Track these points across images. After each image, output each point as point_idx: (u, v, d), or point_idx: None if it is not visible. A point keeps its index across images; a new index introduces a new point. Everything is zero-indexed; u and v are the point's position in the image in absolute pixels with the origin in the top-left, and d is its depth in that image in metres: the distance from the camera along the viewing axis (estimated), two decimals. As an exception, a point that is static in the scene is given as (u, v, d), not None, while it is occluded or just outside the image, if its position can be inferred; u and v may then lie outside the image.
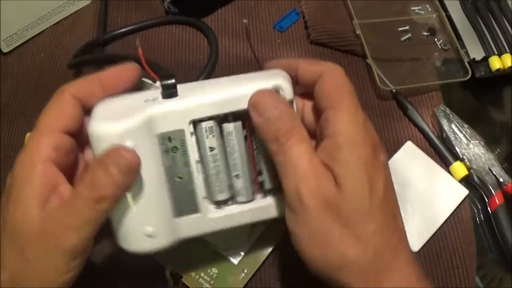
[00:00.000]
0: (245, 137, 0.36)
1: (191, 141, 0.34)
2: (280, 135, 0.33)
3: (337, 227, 0.31)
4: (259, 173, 0.36)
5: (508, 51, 0.54)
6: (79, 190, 0.32)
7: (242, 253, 0.43)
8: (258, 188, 0.36)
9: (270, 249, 0.43)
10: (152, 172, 0.34)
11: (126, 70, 0.36)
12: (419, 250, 0.44)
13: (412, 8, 0.57)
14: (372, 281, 0.31)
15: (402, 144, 0.50)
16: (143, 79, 0.47)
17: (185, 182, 0.35)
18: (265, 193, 0.37)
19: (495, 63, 0.53)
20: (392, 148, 0.49)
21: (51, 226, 0.32)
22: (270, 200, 0.36)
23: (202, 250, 0.43)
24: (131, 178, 0.32)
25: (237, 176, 0.36)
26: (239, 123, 0.35)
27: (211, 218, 0.36)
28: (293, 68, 0.36)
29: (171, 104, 0.34)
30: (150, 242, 0.35)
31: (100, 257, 0.44)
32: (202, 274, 0.42)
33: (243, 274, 0.42)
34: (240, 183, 0.36)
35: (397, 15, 0.56)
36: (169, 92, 0.34)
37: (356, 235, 0.31)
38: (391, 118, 0.51)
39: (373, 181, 0.32)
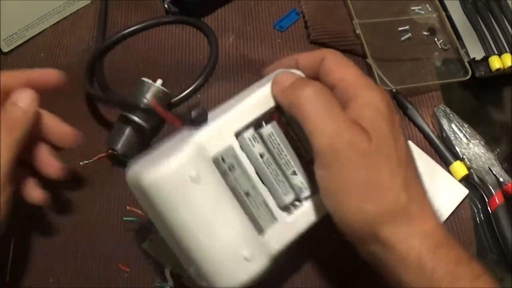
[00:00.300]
0: (284, 134, 0.37)
1: (242, 155, 0.35)
2: (299, 94, 0.34)
3: (372, 176, 0.33)
4: (310, 163, 0.36)
5: (508, 51, 0.54)
6: None
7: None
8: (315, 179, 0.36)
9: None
10: (223, 196, 0.34)
11: (48, 74, 0.39)
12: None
13: (412, 8, 0.57)
14: (408, 228, 0.33)
15: (402, 144, 0.50)
16: (143, 78, 0.47)
17: (254, 196, 0.35)
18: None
19: (495, 63, 0.53)
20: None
21: None
22: None
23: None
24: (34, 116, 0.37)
25: (293, 172, 0.36)
26: (274, 122, 0.36)
27: (290, 222, 0.36)
28: (293, 63, 0.39)
29: (210, 127, 0.34)
30: (250, 266, 0.34)
31: (99, 256, 0.44)
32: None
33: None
34: (298, 179, 0.37)
35: (397, 15, 0.56)
36: (201, 120, 0.35)
37: (389, 185, 0.33)
38: (391, 118, 0.51)
39: (396, 136, 0.35)
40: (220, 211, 0.33)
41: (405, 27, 0.55)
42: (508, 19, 0.56)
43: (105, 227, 0.45)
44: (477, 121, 0.51)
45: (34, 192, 0.41)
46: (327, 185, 0.34)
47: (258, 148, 0.36)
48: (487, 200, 0.48)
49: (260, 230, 0.35)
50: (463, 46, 0.54)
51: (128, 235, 0.45)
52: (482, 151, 0.50)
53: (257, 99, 0.36)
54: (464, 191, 0.48)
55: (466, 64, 0.53)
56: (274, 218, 0.36)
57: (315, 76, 0.38)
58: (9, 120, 0.36)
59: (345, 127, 0.33)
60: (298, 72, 0.38)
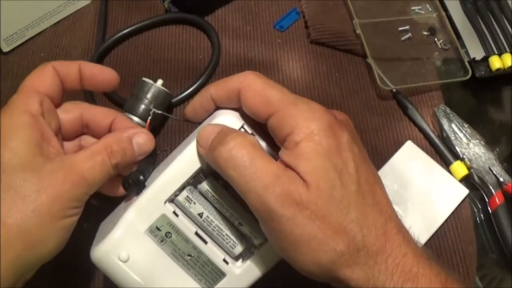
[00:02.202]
0: (224, 186, 0.35)
1: (178, 220, 0.35)
2: (217, 155, 0.32)
3: (317, 225, 0.30)
4: None
5: (508, 50, 0.54)
6: (98, 150, 0.34)
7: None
8: None
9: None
10: (161, 265, 0.35)
11: (105, 73, 0.38)
12: (419, 250, 0.44)
13: (412, 8, 0.57)
14: (367, 267, 0.30)
15: (402, 143, 0.50)
16: (144, 78, 0.47)
17: (196, 256, 0.36)
18: None
19: (495, 62, 0.53)
20: (392, 147, 0.49)
21: (57, 173, 0.33)
22: None
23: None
24: (143, 156, 0.37)
25: (239, 223, 0.36)
26: (210, 178, 0.36)
27: (240, 274, 0.36)
28: (207, 100, 0.36)
29: (139, 200, 0.35)
30: None
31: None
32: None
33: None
34: (247, 228, 0.36)
35: (397, 15, 0.56)
36: (139, 188, 0.36)
37: (338, 228, 0.30)
38: (391, 118, 0.51)
39: (341, 167, 0.31)
40: (158, 279, 0.35)
41: (405, 27, 0.55)
42: (508, 19, 0.56)
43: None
44: (477, 121, 0.51)
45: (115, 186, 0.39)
46: (273, 243, 0.32)
47: (195, 208, 0.35)
48: (487, 200, 0.49)
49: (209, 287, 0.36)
50: (463, 46, 0.54)
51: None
52: (482, 151, 0.50)
53: (183, 163, 0.35)
54: (464, 191, 0.48)
55: (466, 64, 0.53)
56: (221, 274, 0.36)
57: (239, 106, 0.34)
58: (118, 155, 0.35)
59: (274, 179, 0.30)
60: (224, 117, 0.35)
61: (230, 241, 0.36)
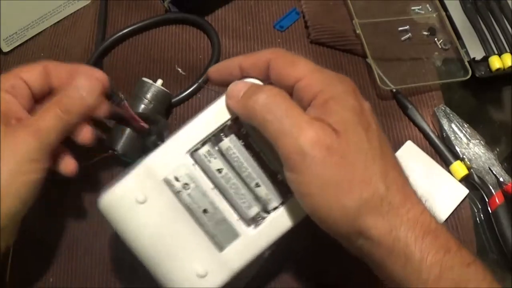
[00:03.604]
0: (245, 146, 0.36)
1: (197, 172, 0.35)
2: (253, 102, 0.33)
3: (345, 171, 0.32)
4: (276, 172, 0.36)
5: (508, 50, 0.54)
6: (49, 104, 0.37)
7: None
8: (284, 187, 0.36)
9: (269, 250, 0.43)
10: (174, 215, 0.34)
11: (94, 77, 0.40)
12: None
13: (412, 8, 0.57)
14: (390, 217, 0.32)
15: (402, 143, 0.50)
16: (144, 78, 0.47)
17: (212, 213, 0.35)
18: (286, 190, 0.36)
19: (495, 62, 0.53)
20: (392, 147, 0.49)
21: (15, 133, 0.36)
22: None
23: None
24: (97, 100, 0.39)
25: (256, 184, 0.36)
26: (232, 136, 0.36)
27: (253, 236, 0.35)
28: (235, 67, 0.37)
29: (161, 148, 0.35)
30: (204, 283, 0.34)
31: (99, 256, 0.44)
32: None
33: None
34: (263, 191, 0.36)
35: (397, 15, 0.56)
36: (160, 136, 0.37)
37: (364, 177, 0.32)
38: (391, 118, 0.51)
39: (366, 124, 0.33)
40: (170, 229, 0.34)
41: (405, 27, 0.55)
42: (508, 19, 0.56)
43: (105, 227, 0.45)
44: (477, 121, 0.51)
45: (68, 163, 0.41)
46: (300, 189, 0.33)
47: (215, 164, 0.36)
48: (487, 200, 0.48)
49: (219, 247, 0.35)
50: (463, 46, 0.54)
51: (128, 235, 0.45)
52: (482, 151, 0.50)
53: (210, 115, 0.36)
54: (464, 191, 0.48)
55: (466, 64, 0.53)
56: (235, 234, 0.35)
57: (265, 79, 0.36)
58: (66, 103, 0.38)
59: (307, 126, 0.32)
60: (252, 80, 0.36)
61: (245, 202, 0.36)
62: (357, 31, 0.53)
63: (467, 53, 0.54)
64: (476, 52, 0.54)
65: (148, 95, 0.46)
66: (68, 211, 0.46)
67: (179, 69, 0.46)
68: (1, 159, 0.35)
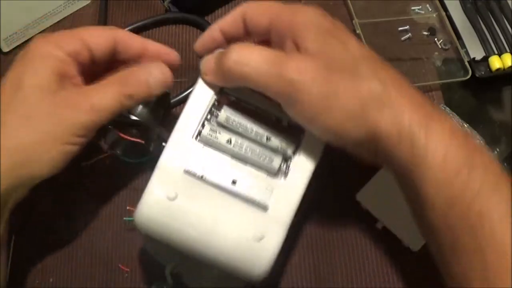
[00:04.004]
0: (241, 110, 0.37)
1: (210, 152, 0.36)
2: (225, 65, 0.35)
3: (337, 81, 0.33)
4: (279, 119, 0.38)
5: (508, 50, 0.54)
6: (112, 81, 0.37)
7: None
8: (292, 130, 0.37)
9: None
10: (210, 196, 0.35)
11: (165, 70, 0.39)
12: (419, 250, 0.44)
13: (412, 8, 0.57)
14: (393, 109, 0.33)
15: (402, 143, 0.50)
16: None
17: (240, 181, 0.36)
18: (299, 129, 0.37)
19: (495, 62, 0.53)
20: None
21: (69, 100, 0.35)
22: (309, 131, 0.37)
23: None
24: (160, 91, 0.39)
25: (267, 138, 0.37)
26: (225, 107, 0.37)
27: (288, 184, 0.36)
28: (217, 34, 0.39)
29: (168, 145, 0.36)
30: (266, 243, 0.35)
31: (99, 256, 0.44)
32: (202, 274, 0.42)
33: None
34: (275, 141, 0.37)
35: (397, 15, 0.56)
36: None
37: (356, 78, 0.33)
38: (391, 118, 0.51)
39: (342, 37, 0.35)
40: (212, 211, 0.35)
41: (405, 27, 0.55)
42: (508, 19, 0.56)
43: (105, 227, 0.45)
44: (477, 121, 0.51)
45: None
46: (304, 117, 0.34)
47: (222, 137, 0.36)
48: (487, 200, 0.48)
49: (262, 207, 0.35)
50: (463, 46, 0.54)
51: (128, 235, 0.45)
52: (482, 151, 0.50)
53: (196, 98, 0.37)
54: (464, 191, 0.48)
55: (466, 64, 0.53)
56: (271, 189, 0.36)
57: (247, 33, 0.38)
58: (133, 87, 0.37)
59: (285, 59, 0.34)
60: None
61: (266, 157, 0.36)
62: (357, 31, 0.53)
63: (467, 53, 0.54)
64: (476, 52, 0.54)
65: None
66: (68, 211, 0.46)
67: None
68: (47, 123, 0.35)
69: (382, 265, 0.44)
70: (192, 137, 0.36)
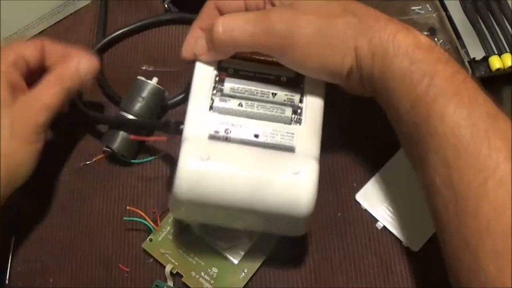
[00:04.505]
0: (242, 78, 0.41)
1: (226, 117, 0.39)
2: (215, 38, 0.38)
3: (315, 19, 0.37)
4: (277, 76, 0.41)
5: (508, 51, 0.54)
6: (52, 80, 0.41)
7: (242, 253, 0.43)
8: (292, 83, 0.41)
9: (270, 249, 0.43)
10: (240, 151, 0.38)
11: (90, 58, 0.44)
12: (419, 250, 0.44)
13: (412, 8, 0.57)
14: (374, 34, 0.37)
15: (402, 143, 0.50)
16: (138, 77, 0.47)
17: (262, 133, 0.39)
18: (299, 80, 0.41)
19: (495, 63, 0.53)
20: (392, 148, 0.49)
21: (24, 106, 0.40)
22: (307, 79, 0.41)
23: (203, 249, 0.43)
24: (92, 77, 0.43)
25: (273, 94, 0.40)
26: (226, 78, 0.41)
27: (305, 126, 0.40)
28: (215, 14, 0.42)
29: (187, 119, 0.39)
30: (303, 176, 0.37)
31: (99, 256, 0.44)
32: (202, 274, 0.42)
33: (243, 274, 0.43)
34: (281, 95, 0.41)
35: (397, 15, 0.55)
36: (177, 128, 0.40)
37: (333, 16, 0.37)
38: (391, 118, 0.51)
39: None
40: (247, 162, 0.37)
41: (405, 27, 0.55)
42: (508, 19, 0.56)
43: (105, 227, 0.45)
44: (477, 121, 0.51)
45: None
46: (299, 60, 0.38)
47: (233, 103, 0.40)
48: (487, 200, 0.48)
49: (289, 149, 0.38)
50: (463, 46, 0.54)
51: (128, 235, 0.45)
52: (482, 151, 0.49)
53: (199, 77, 0.41)
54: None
55: (466, 64, 0.53)
56: (292, 133, 0.39)
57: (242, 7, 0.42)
58: (68, 77, 0.42)
59: (269, 13, 0.38)
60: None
61: (277, 109, 0.40)
62: (357, 31, 0.53)
63: (467, 53, 0.54)
64: (476, 52, 0.54)
65: (143, 94, 0.46)
66: (68, 211, 0.46)
67: (147, 67, 0.50)
68: (13, 129, 0.39)
69: (382, 265, 0.44)
70: (206, 109, 0.39)
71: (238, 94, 0.40)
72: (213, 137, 0.38)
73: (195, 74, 0.41)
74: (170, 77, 0.52)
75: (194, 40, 0.42)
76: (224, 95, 0.40)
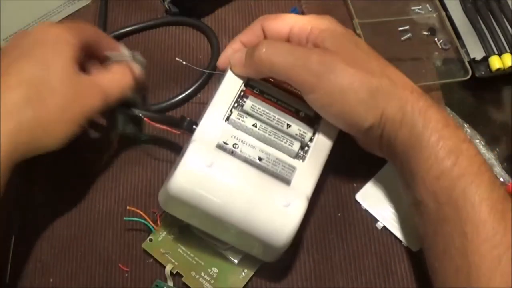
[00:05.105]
0: (264, 101, 0.42)
1: (239, 132, 0.40)
2: (256, 56, 0.40)
3: (351, 73, 0.38)
4: (297, 110, 0.43)
5: (508, 50, 0.54)
6: (116, 72, 0.42)
7: (242, 253, 0.43)
8: (309, 120, 0.42)
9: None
10: (240, 169, 0.39)
11: (129, 69, 0.43)
12: (419, 250, 0.44)
13: (412, 8, 0.57)
14: (397, 97, 0.39)
15: (402, 143, 0.50)
16: (108, 53, 0.46)
17: (266, 158, 0.40)
18: (315, 120, 0.42)
19: (495, 63, 0.53)
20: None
21: (86, 85, 0.39)
22: (323, 121, 0.42)
23: (203, 249, 0.43)
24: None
25: (288, 125, 0.42)
26: (250, 96, 0.42)
27: (308, 163, 0.41)
28: (240, 47, 0.44)
29: (200, 125, 0.40)
30: (292, 210, 0.38)
31: (99, 256, 0.44)
32: (202, 274, 0.42)
33: (243, 274, 0.43)
34: (295, 128, 0.42)
35: (397, 15, 0.56)
36: (191, 126, 0.42)
37: (367, 71, 0.39)
38: (391, 118, 0.51)
39: (354, 40, 0.41)
40: (243, 181, 0.38)
41: (405, 27, 0.55)
42: (508, 19, 0.56)
43: (105, 227, 0.45)
44: (477, 121, 0.51)
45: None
46: (322, 103, 0.39)
47: (248, 122, 0.41)
48: (487, 200, 0.48)
49: (286, 181, 0.39)
50: (463, 46, 0.54)
51: (128, 235, 0.45)
52: (482, 151, 0.50)
53: (226, 87, 0.42)
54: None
55: (466, 64, 0.53)
56: (293, 168, 0.40)
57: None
58: (128, 76, 0.43)
59: (310, 52, 0.39)
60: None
61: (287, 141, 0.41)
62: (357, 31, 0.53)
63: (467, 53, 0.54)
64: (476, 52, 0.54)
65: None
66: (68, 211, 0.46)
67: (180, 59, 0.48)
68: (68, 102, 0.38)
69: (382, 265, 0.44)
70: (222, 119, 0.40)
71: (256, 114, 0.41)
72: (221, 147, 0.39)
73: (223, 81, 0.42)
74: (173, 77, 0.52)
75: (232, 51, 0.43)
76: (243, 111, 0.41)
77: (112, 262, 0.44)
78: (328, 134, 0.42)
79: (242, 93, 0.42)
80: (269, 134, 0.41)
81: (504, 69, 0.53)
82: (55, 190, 0.47)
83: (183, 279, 0.42)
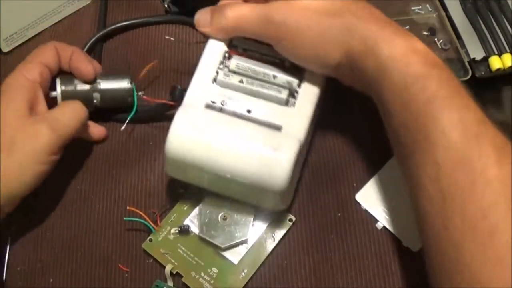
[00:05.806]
0: (248, 57, 0.43)
1: (226, 91, 0.42)
2: (225, 22, 0.42)
3: (315, 15, 0.39)
4: (282, 60, 0.43)
5: (508, 51, 0.54)
6: (71, 105, 0.44)
7: (242, 253, 0.43)
8: (294, 70, 0.43)
9: (270, 249, 0.43)
10: (230, 122, 0.40)
11: (86, 69, 0.46)
12: (419, 250, 0.44)
13: (412, 8, 0.57)
14: (361, 34, 0.38)
15: (402, 143, 0.50)
16: (51, 94, 0.46)
17: (254, 109, 0.41)
18: (301, 67, 0.43)
19: (495, 63, 0.53)
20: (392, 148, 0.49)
21: (39, 125, 0.41)
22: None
23: (203, 249, 0.43)
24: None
25: (274, 76, 0.43)
26: (234, 56, 0.43)
27: (298, 108, 0.42)
28: None
29: (189, 89, 0.42)
30: (282, 154, 0.39)
31: (99, 256, 0.44)
32: (202, 274, 0.42)
33: (243, 274, 0.43)
34: (281, 78, 0.43)
35: (397, 15, 0.56)
36: (182, 95, 0.43)
37: (331, 13, 0.39)
38: (391, 118, 0.51)
39: None
40: (233, 132, 0.40)
41: (405, 27, 0.55)
42: (508, 19, 0.56)
43: (105, 227, 0.45)
44: (477, 121, 0.51)
45: (97, 131, 0.48)
46: (292, 52, 0.41)
47: (235, 79, 0.42)
48: (487, 200, 0.48)
49: (277, 128, 0.41)
50: (463, 46, 0.54)
51: (128, 235, 0.45)
52: (482, 151, 0.49)
53: (210, 50, 0.43)
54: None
55: (466, 64, 0.53)
56: (282, 114, 0.41)
57: None
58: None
59: (266, 7, 0.40)
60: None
61: (274, 89, 0.42)
62: (357, 31, 0.53)
63: (467, 53, 0.54)
64: (476, 52, 0.54)
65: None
66: (68, 211, 0.46)
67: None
68: (21, 148, 0.40)
69: (382, 265, 0.44)
70: (210, 81, 0.42)
71: (242, 71, 0.43)
72: (209, 106, 0.41)
73: (206, 47, 0.44)
74: (173, 76, 0.52)
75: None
76: (229, 71, 0.43)
77: (112, 262, 0.44)
78: (315, 79, 0.43)
79: (226, 55, 0.43)
80: (256, 87, 0.42)
81: (504, 69, 0.53)
82: (55, 190, 0.47)
83: (183, 279, 0.42)
